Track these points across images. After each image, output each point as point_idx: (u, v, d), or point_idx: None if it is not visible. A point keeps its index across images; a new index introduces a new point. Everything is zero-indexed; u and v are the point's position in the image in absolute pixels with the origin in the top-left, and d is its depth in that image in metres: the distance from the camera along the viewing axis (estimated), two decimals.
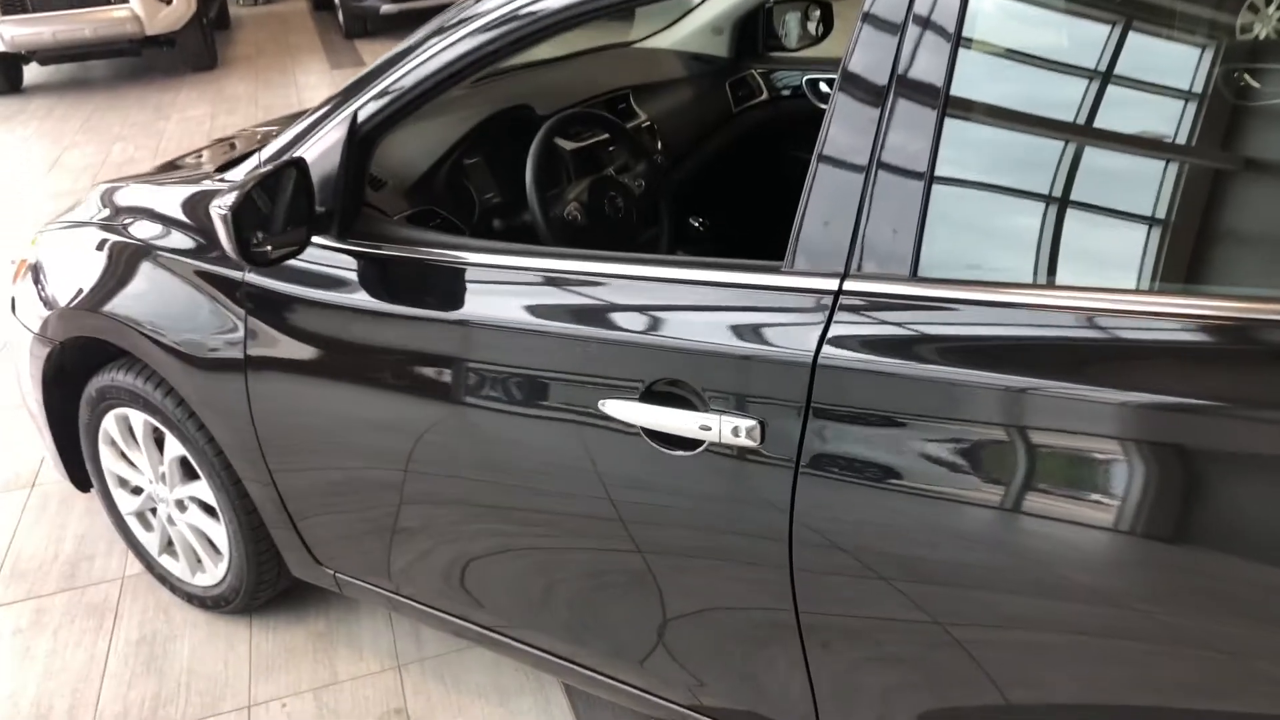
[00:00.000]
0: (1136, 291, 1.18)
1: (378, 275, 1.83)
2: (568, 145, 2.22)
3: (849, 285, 1.35)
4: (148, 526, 2.59)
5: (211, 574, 2.48)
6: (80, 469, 2.65)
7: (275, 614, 2.53)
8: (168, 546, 2.58)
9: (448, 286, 1.76)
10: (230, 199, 1.65)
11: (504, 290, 1.69)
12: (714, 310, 1.46)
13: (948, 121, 1.30)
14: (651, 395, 1.51)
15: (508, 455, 1.72)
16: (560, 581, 1.80)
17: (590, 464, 1.63)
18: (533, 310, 1.64)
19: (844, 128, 1.36)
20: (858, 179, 1.34)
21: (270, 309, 1.95)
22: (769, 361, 1.39)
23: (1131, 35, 1.29)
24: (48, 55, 8.94)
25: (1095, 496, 1.17)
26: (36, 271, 2.44)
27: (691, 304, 1.49)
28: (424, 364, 1.77)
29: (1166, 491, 1.13)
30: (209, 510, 2.39)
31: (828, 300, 1.36)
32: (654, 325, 1.51)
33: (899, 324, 1.32)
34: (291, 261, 1.86)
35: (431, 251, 1.79)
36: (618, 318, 1.55)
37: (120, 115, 8.08)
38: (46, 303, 2.36)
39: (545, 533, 1.75)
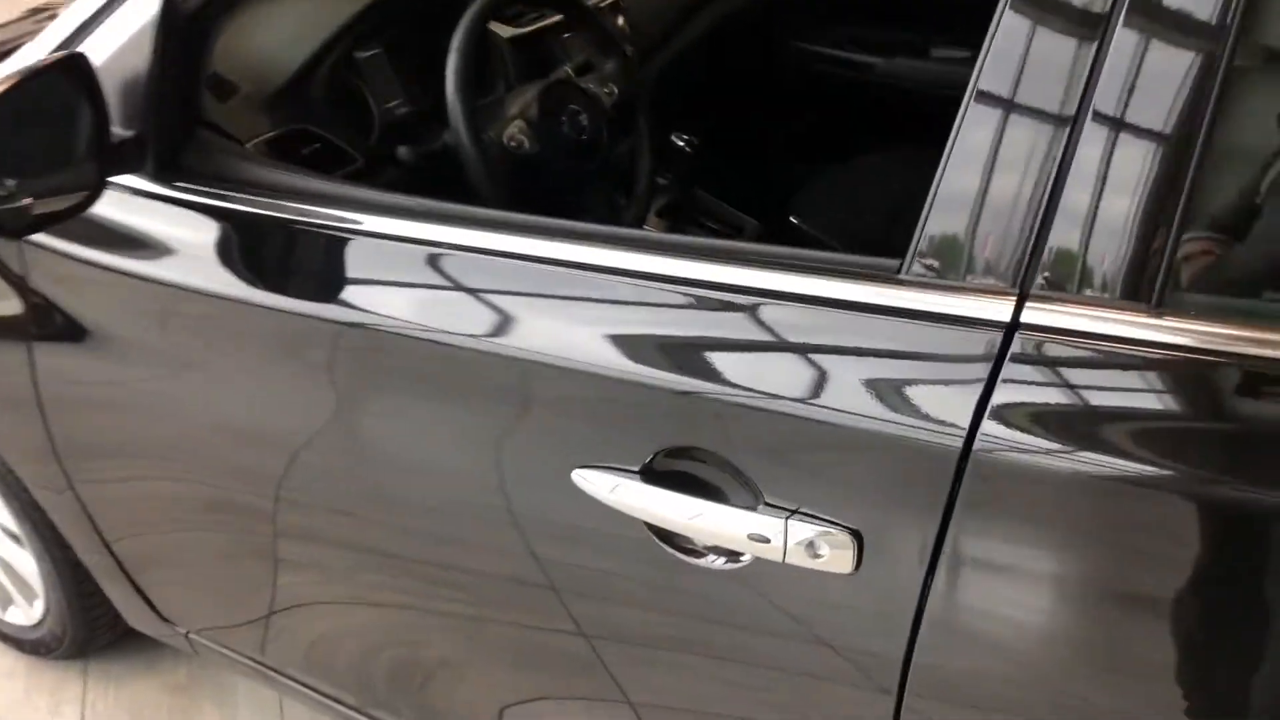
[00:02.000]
0: None
1: (220, 242, 1.18)
2: (505, 32, 1.55)
3: (1033, 311, 0.75)
4: None
5: (25, 612, 1.85)
6: None
7: (119, 660, 1.91)
8: None
9: (329, 267, 1.12)
10: None
11: (417, 278, 1.06)
12: (773, 343, 0.86)
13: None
14: (656, 473, 0.92)
15: (422, 506, 1.13)
16: (491, 674, 1.23)
17: (555, 551, 1.04)
18: (464, 315, 1.01)
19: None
20: (1055, 140, 0.74)
21: (60, 290, 1.29)
22: (880, 437, 0.80)
23: None
24: None
25: None
26: None
27: (734, 330, 0.88)
28: (296, 371, 1.15)
29: None
30: (12, 536, 1.74)
31: (992, 338, 0.76)
32: (668, 358, 0.90)
33: (1130, 387, 0.73)
34: (89, 213, 1.19)
35: (304, 210, 1.14)
36: (605, 339, 0.93)
37: None
38: None
39: (473, 604, 1.17)
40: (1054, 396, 0.76)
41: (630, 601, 1.03)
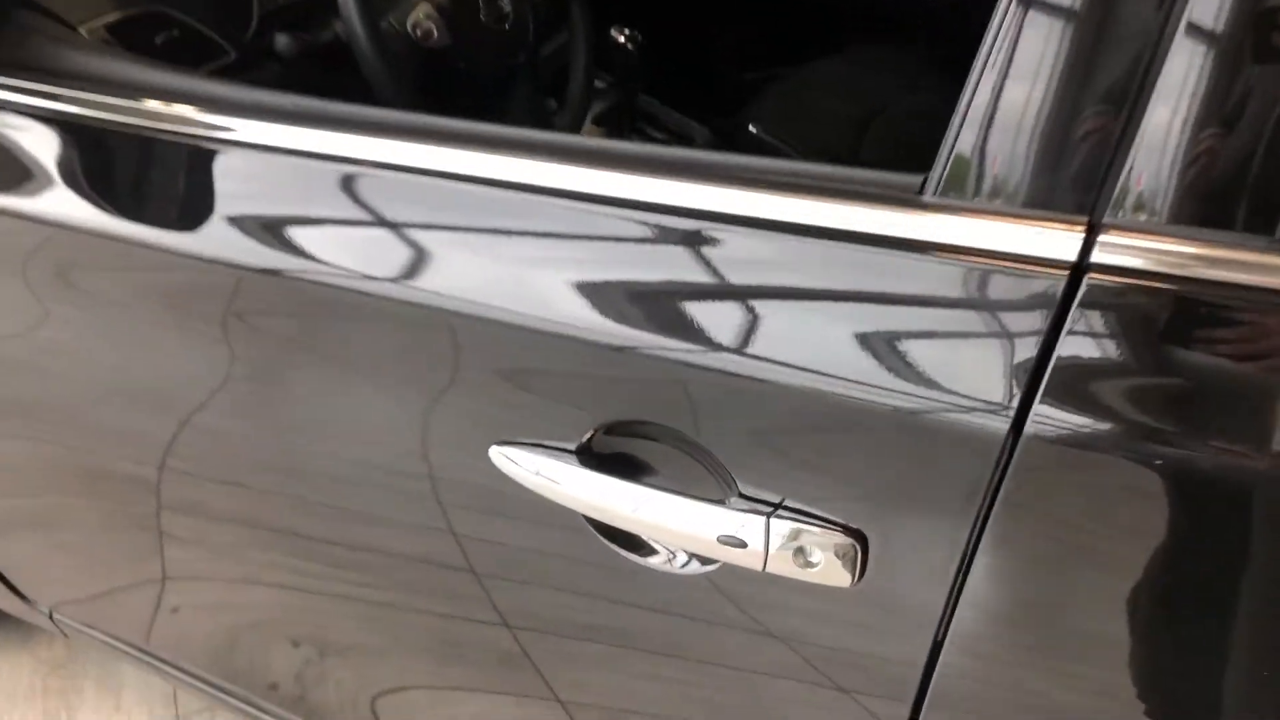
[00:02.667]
0: None
1: (54, 154, 0.93)
2: None
3: (1109, 249, 0.55)
4: None
5: None
6: None
7: None
8: None
9: (192, 187, 0.88)
10: None
11: (303, 200, 0.83)
12: (751, 286, 0.65)
13: None
14: (596, 454, 0.71)
15: (323, 477, 0.92)
16: (403, 665, 1.04)
17: (473, 536, 0.84)
18: (359, 247, 0.79)
19: None
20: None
21: None
22: (895, 414, 0.59)
23: None
24: None
25: None
26: None
27: (697, 269, 0.66)
28: (164, 318, 0.93)
29: None
30: None
31: (1051, 284, 0.56)
32: (611, 304, 0.68)
33: (1245, 352, 0.54)
34: None
35: (159, 113, 0.89)
36: (530, 278, 0.71)
37: None
38: None
39: (385, 589, 0.97)
40: (1133, 364, 0.56)
41: (566, 596, 0.83)
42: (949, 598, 0.63)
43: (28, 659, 1.65)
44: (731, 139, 1.61)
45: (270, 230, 0.82)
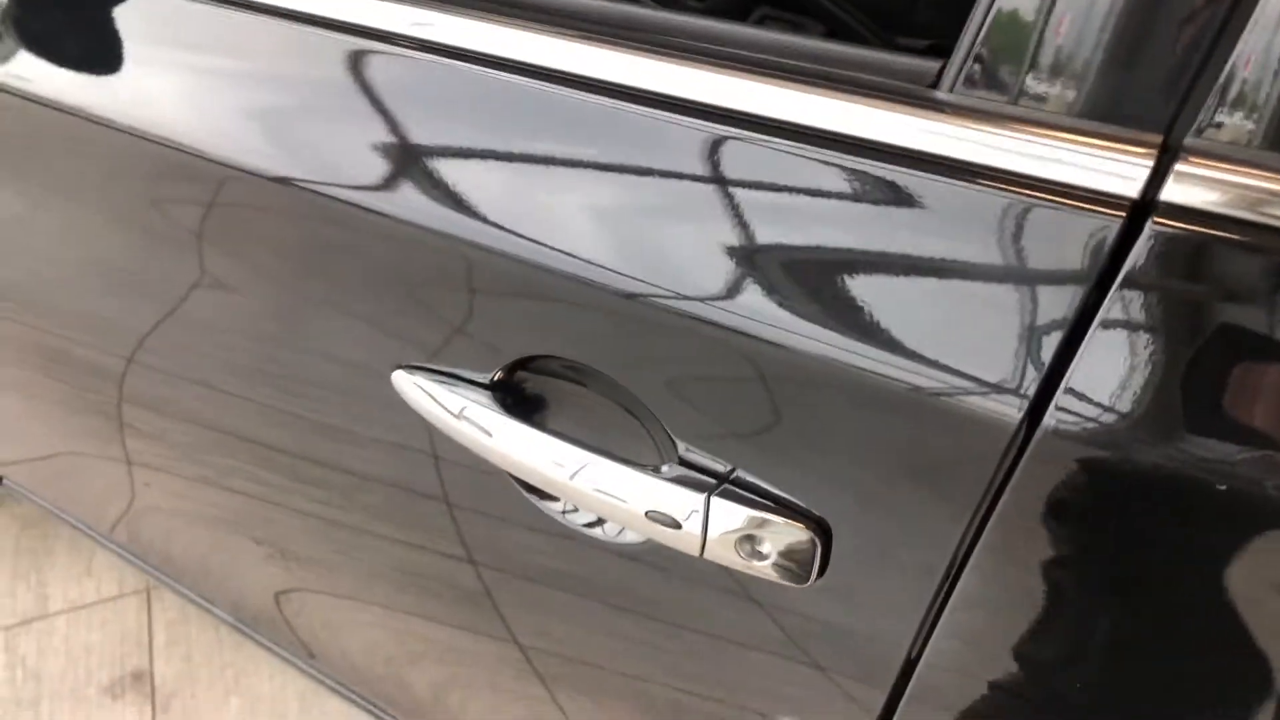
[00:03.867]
0: None
1: None
2: None
3: (1186, 181, 0.38)
4: None
5: None
6: None
7: None
8: None
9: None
10: None
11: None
12: (705, 200, 0.49)
13: None
14: (515, 389, 0.58)
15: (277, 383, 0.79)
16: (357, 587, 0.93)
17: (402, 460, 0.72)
18: (291, 135, 0.63)
19: None
20: None
21: None
22: (880, 385, 0.44)
23: None
24: None
25: None
26: None
27: (636, 168, 0.50)
28: (118, 198, 0.79)
29: None
30: None
31: (1104, 225, 0.39)
32: (532, 211, 0.53)
33: None
34: None
35: None
36: (415, 168, 0.56)
37: None
38: None
39: (337, 506, 0.85)
40: (1199, 348, 0.40)
41: (529, 536, 0.70)
42: (929, 608, 0.50)
43: (1, 515, 1.59)
44: None
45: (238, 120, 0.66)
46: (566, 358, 0.55)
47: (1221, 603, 0.41)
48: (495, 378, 0.58)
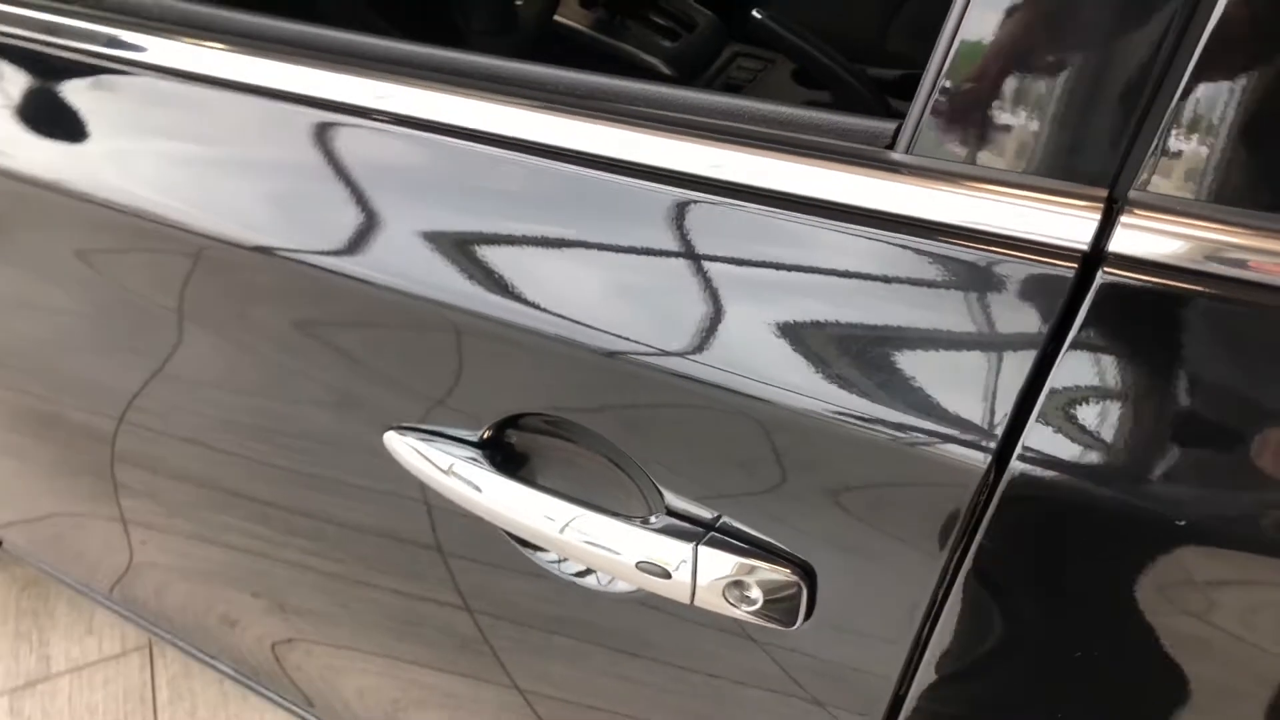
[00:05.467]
0: None
1: None
2: None
3: (1132, 232, 0.40)
4: None
5: None
6: None
7: None
8: None
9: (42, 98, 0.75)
10: None
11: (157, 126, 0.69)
12: (679, 260, 0.51)
13: None
14: (504, 446, 0.59)
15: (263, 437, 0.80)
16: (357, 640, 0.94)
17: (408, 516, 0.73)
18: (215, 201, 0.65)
19: None
20: None
21: None
22: (851, 435, 0.46)
23: None
24: None
25: None
26: None
27: (602, 235, 0.53)
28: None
29: None
30: None
31: (1056, 276, 0.42)
32: (498, 279, 0.55)
33: None
34: None
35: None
36: (417, 257, 0.58)
37: None
38: None
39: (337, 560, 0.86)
40: (1159, 387, 0.42)
41: (526, 583, 0.71)
42: (914, 650, 0.51)
43: (2, 576, 1.60)
44: (740, 26, 1.43)
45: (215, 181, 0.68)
46: (551, 414, 0.57)
47: (1185, 635, 0.43)
48: (484, 435, 0.60)
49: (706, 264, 0.50)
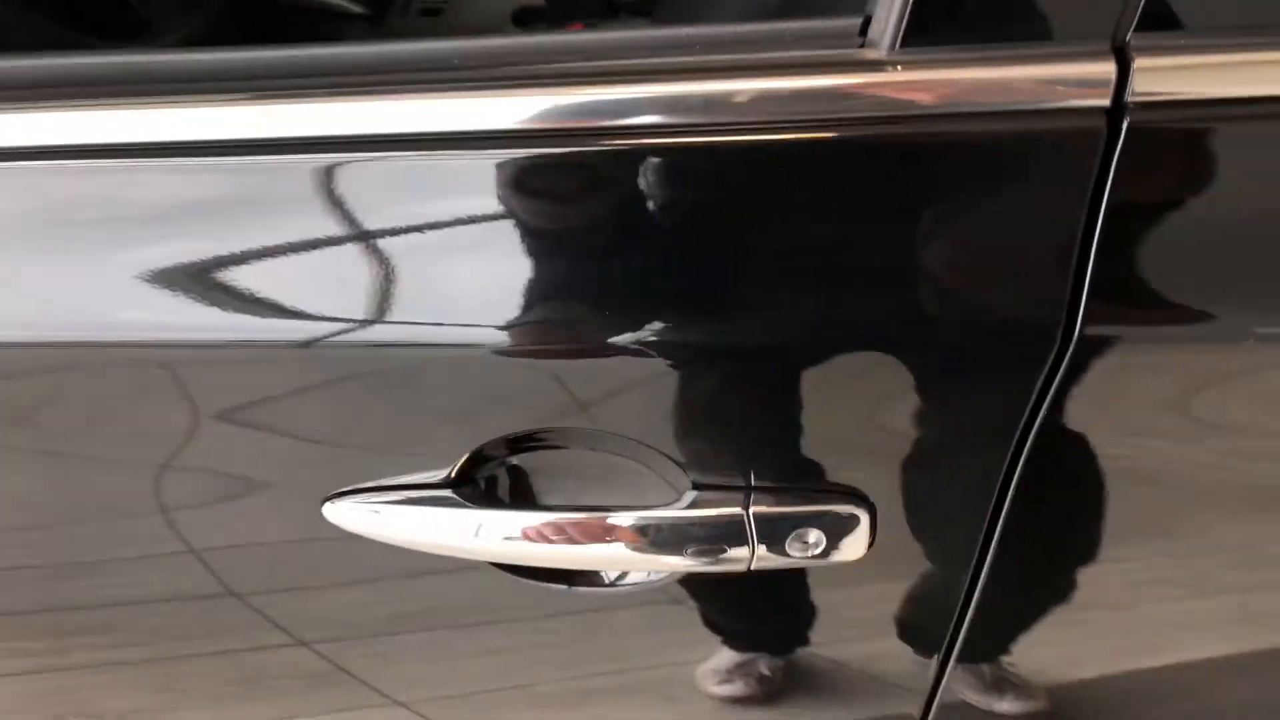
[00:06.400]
0: None
1: None
2: None
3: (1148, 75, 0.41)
4: None
5: None
6: None
7: None
8: None
9: None
10: None
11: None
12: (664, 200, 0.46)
13: None
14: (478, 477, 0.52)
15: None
16: None
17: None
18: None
19: None
20: None
21: None
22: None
23: None
24: None
25: None
26: None
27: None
28: None
29: None
30: None
31: (1091, 125, 0.41)
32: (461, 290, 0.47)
33: None
34: None
35: None
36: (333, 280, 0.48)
37: None
38: None
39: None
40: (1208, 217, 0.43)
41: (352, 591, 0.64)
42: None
43: None
44: None
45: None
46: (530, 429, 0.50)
47: None
48: (452, 473, 0.52)
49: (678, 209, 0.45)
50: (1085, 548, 0.52)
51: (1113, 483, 0.50)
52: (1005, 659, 0.57)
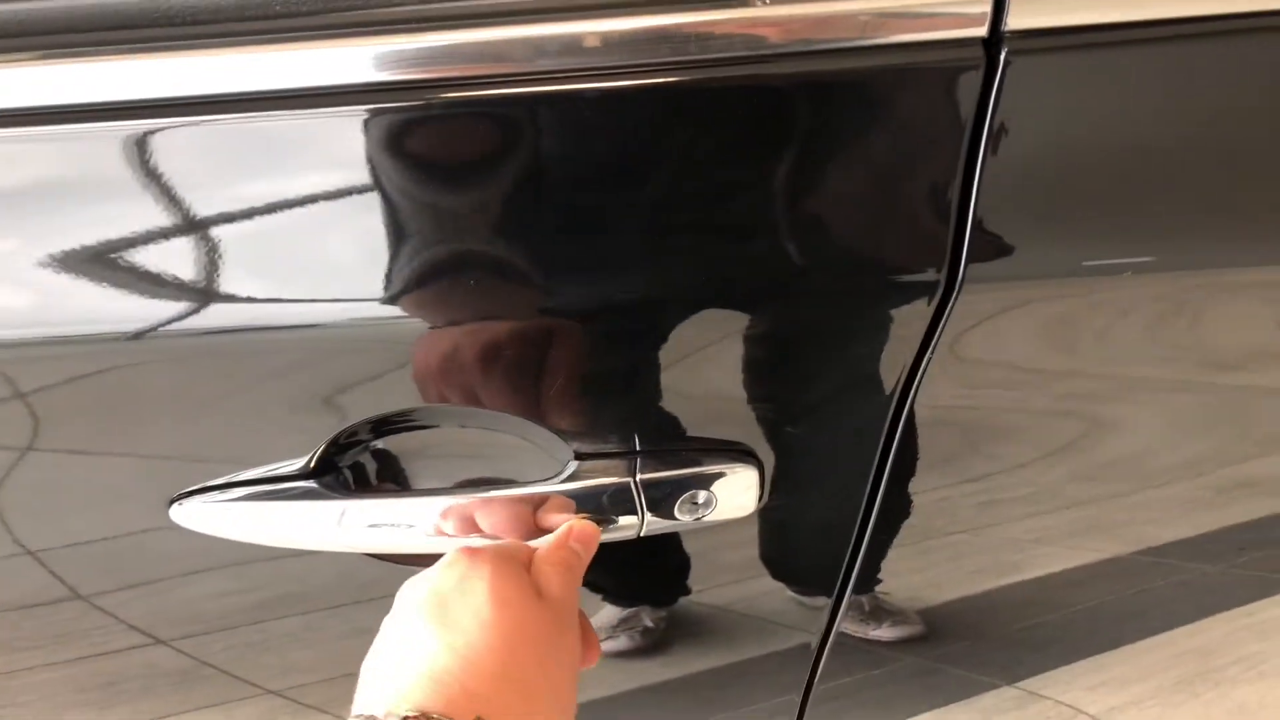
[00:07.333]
0: None
1: None
2: None
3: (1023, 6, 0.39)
4: None
5: None
6: None
7: None
8: None
9: None
10: None
11: None
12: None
13: None
14: (342, 463, 0.48)
15: None
16: None
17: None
18: None
19: None
20: None
21: None
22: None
23: None
24: None
25: None
26: None
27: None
28: None
29: None
30: None
31: (969, 56, 0.39)
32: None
33: None
34: None
35: None
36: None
37: None
38: None
39: None
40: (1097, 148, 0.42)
41: (170, 595, 0.60)
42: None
43: None
44: None
45: None
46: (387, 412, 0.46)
47: None
48: (313, 461, 0.48)
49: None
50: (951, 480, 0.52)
51: (982, 416, 0.49)
52: (880, 590, 0.57)
